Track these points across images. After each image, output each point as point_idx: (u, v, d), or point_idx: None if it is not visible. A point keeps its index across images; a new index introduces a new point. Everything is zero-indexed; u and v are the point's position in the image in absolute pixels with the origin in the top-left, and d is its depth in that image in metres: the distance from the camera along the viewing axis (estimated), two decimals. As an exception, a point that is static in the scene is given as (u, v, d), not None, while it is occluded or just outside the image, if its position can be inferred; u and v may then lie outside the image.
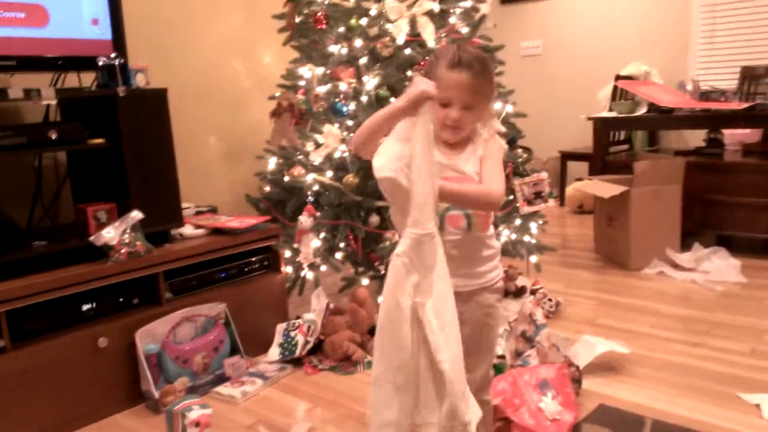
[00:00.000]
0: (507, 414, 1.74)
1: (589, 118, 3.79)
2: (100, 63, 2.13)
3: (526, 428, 1.72)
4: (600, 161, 3.74)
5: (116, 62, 2.12)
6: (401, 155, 1.22)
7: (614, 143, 4.37)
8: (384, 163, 1.23)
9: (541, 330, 2.06)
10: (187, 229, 2.44)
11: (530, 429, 1.71)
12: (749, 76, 4.25)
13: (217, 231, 2.47)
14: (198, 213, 2.73)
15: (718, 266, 3.14)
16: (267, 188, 2.87)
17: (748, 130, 3.79)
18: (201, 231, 2.46)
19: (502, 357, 2.11)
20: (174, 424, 1.62)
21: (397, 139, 1.26)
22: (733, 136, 3.83)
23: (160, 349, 2.12)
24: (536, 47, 5.55)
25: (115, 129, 2.13)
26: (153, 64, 2.39)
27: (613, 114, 3.70)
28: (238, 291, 2.43)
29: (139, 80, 2.22)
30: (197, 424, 1.64)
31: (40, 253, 2.01)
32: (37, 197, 2.46)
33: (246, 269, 2.51)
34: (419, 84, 1.24)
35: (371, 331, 2.49)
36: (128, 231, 2.10)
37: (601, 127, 3.75)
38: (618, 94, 4.40)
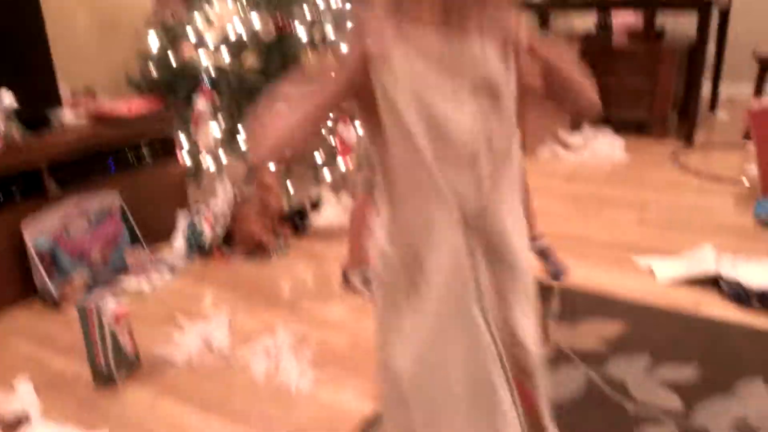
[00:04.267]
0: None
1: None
2: None
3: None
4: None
5: None
6: None
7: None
8: None
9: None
10: (69, 117, 2.18)
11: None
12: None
13: (102, 118, 2.23)
14: (74, 96, 2.43)
15: (603, 144, 3.32)
16: (153, 72, 2.59)
17: (632, 18, 3.91)
18: (83, 120, 2.21)
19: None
20: (89, 322, 1.49)
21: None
22: (618, 25, 3.94)
23: (52, 244, 1.95)
24: None
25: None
26: None
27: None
28: (133, 181, 2.26)
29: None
30: (116, 318, 1.52)
31: None
32: None
33: (138, 158, 2.31)
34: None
35: (282, 218, 2.42)
36: (1, 120, 1.84)
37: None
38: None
